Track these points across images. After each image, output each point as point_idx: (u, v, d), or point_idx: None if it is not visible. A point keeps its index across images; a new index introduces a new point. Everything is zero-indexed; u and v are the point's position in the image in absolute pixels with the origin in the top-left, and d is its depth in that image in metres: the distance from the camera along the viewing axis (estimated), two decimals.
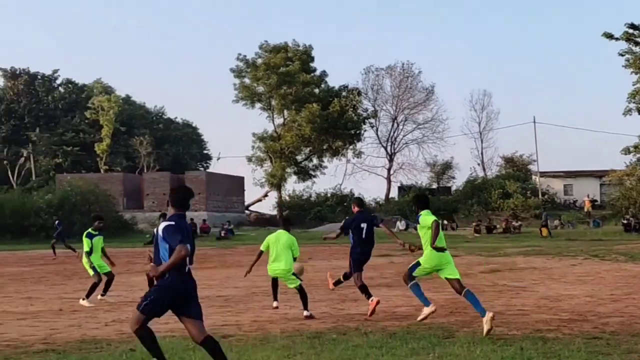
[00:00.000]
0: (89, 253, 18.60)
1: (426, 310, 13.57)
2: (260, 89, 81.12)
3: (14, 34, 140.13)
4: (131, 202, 68.73)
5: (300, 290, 15.37)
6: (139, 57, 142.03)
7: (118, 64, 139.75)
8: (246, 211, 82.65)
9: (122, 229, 60.69)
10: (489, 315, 12.33)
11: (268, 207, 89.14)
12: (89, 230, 18.82)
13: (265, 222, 75.38)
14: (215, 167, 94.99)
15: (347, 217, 21.27)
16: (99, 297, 18.65)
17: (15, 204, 60.10)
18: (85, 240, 18.62)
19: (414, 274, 13.53)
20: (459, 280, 13.47)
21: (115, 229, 59.27)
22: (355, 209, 17.03)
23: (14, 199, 61.80)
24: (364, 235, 16.73)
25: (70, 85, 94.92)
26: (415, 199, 14.62)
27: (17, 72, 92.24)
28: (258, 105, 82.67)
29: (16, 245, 51.50)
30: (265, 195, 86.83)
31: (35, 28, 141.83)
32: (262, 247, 16.04)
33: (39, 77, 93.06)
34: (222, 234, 58.75)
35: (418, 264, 13.49)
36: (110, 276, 18.83)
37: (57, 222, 42.31)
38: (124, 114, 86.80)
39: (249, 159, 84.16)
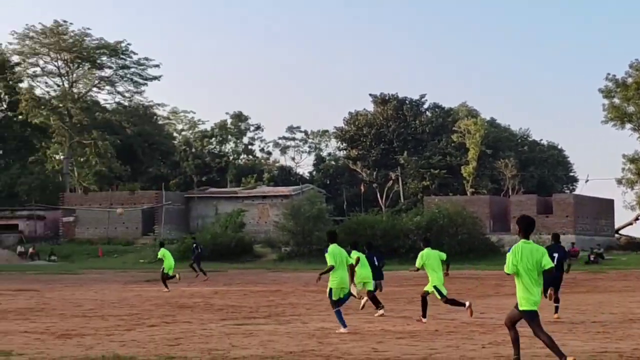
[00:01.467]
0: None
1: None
2: (631, 109, 78.14)
3: (384, 61, 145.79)
4: (497, 225, 68.56)
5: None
6: (503, 82, 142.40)
7: (483, 88, 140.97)
8: (616, 235, 79.70)
9: (489, 252, 60.71)
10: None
11: (639, 230, 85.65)
12: None
13: (637, 247, 72.11)
14: (582, 190, 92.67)
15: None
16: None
17: (385, 226, 62.10)
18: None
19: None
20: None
21: (483, 252, 59.76)
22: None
23: (384, 221, 63.83)
24: None
25: (436, 110, 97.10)
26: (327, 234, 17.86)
27: (387, 97, 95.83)
28: (628, 125, 79.73)
29: (387, 265, 53.01)
30: (637, 219, 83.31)
31: (404, 55, 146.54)
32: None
33: (407, 102, 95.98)
34: (592, 259, 56.81)
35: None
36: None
37: (194, 245, 43.55)
38: (489, 137, 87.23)
39: (619, 181, 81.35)
